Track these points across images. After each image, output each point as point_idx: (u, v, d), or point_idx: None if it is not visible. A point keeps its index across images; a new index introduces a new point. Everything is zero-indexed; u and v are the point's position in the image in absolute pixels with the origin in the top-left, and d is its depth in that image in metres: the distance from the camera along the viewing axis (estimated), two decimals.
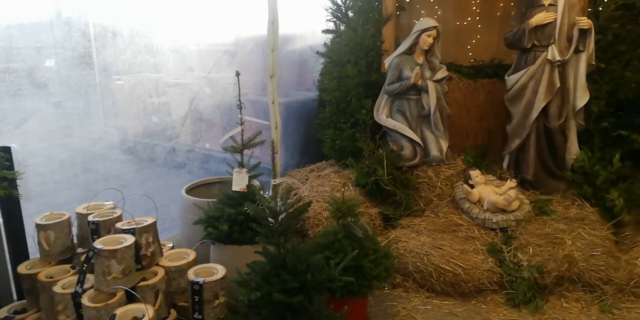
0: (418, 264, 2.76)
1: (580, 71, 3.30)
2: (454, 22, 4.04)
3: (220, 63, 3.50)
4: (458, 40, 4.05)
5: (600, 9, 3.39)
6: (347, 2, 3.82)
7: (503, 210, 3.06)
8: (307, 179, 3.57)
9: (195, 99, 3.41)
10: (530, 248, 2.83)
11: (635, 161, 3.42)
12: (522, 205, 3.10)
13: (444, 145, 3.48)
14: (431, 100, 3.37)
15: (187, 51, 3.35)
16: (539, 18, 3.25)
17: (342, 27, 3.85)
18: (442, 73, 3.45)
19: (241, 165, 2.61)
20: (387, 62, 3.52)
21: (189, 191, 3.14)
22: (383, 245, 2.81)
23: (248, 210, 2.03)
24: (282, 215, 2.08)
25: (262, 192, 2.53)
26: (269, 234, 2.05)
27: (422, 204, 3.33)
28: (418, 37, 3.36)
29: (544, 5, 3.28)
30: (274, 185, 2.07)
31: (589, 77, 3.33)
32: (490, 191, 3.18)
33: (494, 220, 3.03)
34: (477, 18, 4.00)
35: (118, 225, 2.25)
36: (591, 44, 3.23)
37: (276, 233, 2.06)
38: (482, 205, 3.14)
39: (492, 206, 3.07)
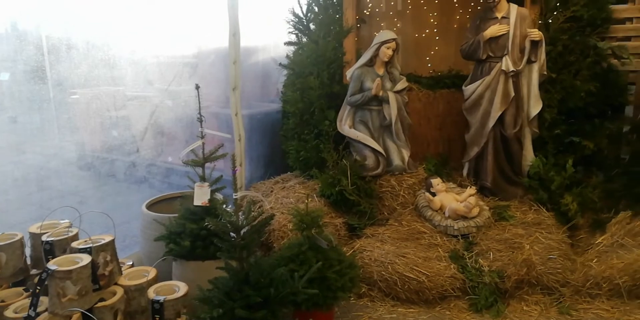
0: (383, 272, 2.78)
1: (533, 81, 3.43)
2: (412, 35, 4.14)
3: (181, 76, 3.47)
4: (417, 52, 4.15)
5: (550, 21, 3.52)
6: (309, 14, 3.86)
7: (464, 217, 3.14)
8: (271, 191, 3.56)
9: (155, 112, 3.36)
10: (491, 253, 2.90)
11: (587, 166, 3.57)
12: (482, 212, 3.18)
13: (406, 154, 3.54)
14: (392, 110, 3.44)
15: (146, 64, 3.30)
16: (493, 30, 3.37)
17: (304, 39, 3.88)
18: (402, 84, 3.52)
19: (203, 179, 2.58)
20: (348, 73, 3.57)
21: (150, 206, 3.08)
22: (348, 255, 2.82)
23: (209, 226, 2.01)
24: (244, 230, 2.07)
25: (224, 206, 2.51)
26: (231, 249, 2.04)
27: (386, 213, 3.37)
28: (378, 49, 3.43)
29: (497, 17, 3.41)
30: (235, 199, 2.06)
31: (541, 86, 3.46)
32: (451, 198, 3.25)
33: (455, 227, 3.10)
34: (435, 30, 4.12)
35: (74, 244, 2.18)
36: (542, 55, 3.37)
37: (238, 248, 2.04)
38: (444, 213, 3.21)
39: (453, 213, 3.14)
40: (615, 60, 3.64)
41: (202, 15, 3.58)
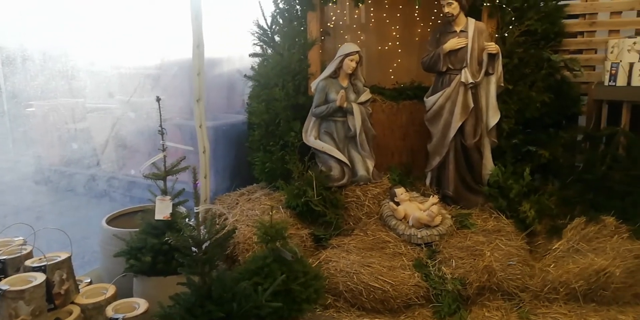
0: (348, 283, 2.80)
1: (491, 92, 3.54)
2: (376, 47, 4.22)
3: (143, 87, 3.42)
4: (380, 64, 4.23)
5: (506, 35, 3.63)
6: (273, 26, 3.90)
7: (427, 226, 3.19)
8: (237, 203, 3.53)
9: (116, 125, 3.30)
10: (453, 261, 2.95)
11: (544, 174, 3.70)
12: (444, 220, 3.25)
13: (370, 164, 3.59)
14: (356, 121, 3.49)
15: (107, 75, 3.25)
16: (452, 43, 3.47)
17: (269, 51, 3.91)
18: (365, 96, 3.58)
19: (164, 192, 2.55)
20: (313, 85, 3.60)
21: (111, 221, 3.01)
22: (314, 266, 2.83)
23: (169, 240, 1.98)
24: (206, 244, 2.05)
25: (187, 220, 2.48)
26: (193, 263, 2.01)
27: (351, 223, 3.39)
28: (341, 61, 3.48)
29: (456, 31, 3.51)
30: (197, 212, 2.04)
31: (499, 97, 3.56)
32: (415, 208, 3.31)
33: (419, 236, 3.15)
34: (398, 43, 4.21)
35: (28, 262, 2.10)
36: (499, 67, 3.48)
37: (200, 262, 2.02)
38: (408, 222, 3.26)
39: (417, 222, 3.20)
40: (568, 73, 3.81)
41: (165, 27, 3.56)
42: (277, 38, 3.89)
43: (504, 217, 3.36)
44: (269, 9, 3.88)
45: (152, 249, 2.44)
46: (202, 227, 2.06)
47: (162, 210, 2.47)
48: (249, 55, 3.95)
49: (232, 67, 4.29)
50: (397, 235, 3.23)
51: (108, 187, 3.45)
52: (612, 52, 3.55)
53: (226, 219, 3.31)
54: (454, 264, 2.93)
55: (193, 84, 3.45)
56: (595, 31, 4.03)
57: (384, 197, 3.50)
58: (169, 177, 2.61)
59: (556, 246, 3.13)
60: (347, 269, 2.86)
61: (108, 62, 3.25)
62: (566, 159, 3.67)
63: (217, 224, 2.21)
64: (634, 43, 3.39)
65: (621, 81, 3.45)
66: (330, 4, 3.90)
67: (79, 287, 2.30)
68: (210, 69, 3.93)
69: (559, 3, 3.88)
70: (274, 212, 2.54)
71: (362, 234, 3.26)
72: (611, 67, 3.48)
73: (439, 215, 3.22)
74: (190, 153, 3.58)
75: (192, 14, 3.39)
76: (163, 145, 2.52)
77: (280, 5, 3.87)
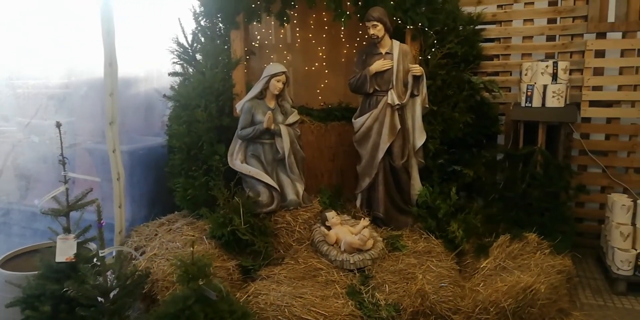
0: (279, 317, 2.63)
1: (417, 113, 3.58)
2: (303, 67, 4.16)
3: (45, 109, 3.08)
4: (308, 85, 4.16)
5: (429, 57, 3.71)
6: (195, 44, 3.71)
7: (359, 250, 3.12)
8: (156, 234, 3.25)
9: (13, 151, 2.93)
10: (387, 286, 2.88)
11: (469, 193, 3.78)
12: (376, 244, 3.19)
13: (300, 188, 3.48)
14: (285, 144, 3.37)
15: (1, 95, 2.88)
16: (378, 65, 3.47)
17: (190, 70, 3.71)
18: (293, 117, 3.48)
19: (67, 230, 2.25)
20: (238, 106, 3.45)
21: (8, 262, 2.63)
22: (242, 301, 2.64)
23: (69, 291, 1.72)
24: (114, 292, 1.81)
25: (94, 260, 2.21)
26: (98, 316, 1.76)
27: (281, 251, 3.24)
28: (268, 82, 3.37)
29: (381, 53, 3.52)
30: (102, 257, 1.80)
31: (425, 118, 3.60)
32: (347, 231, 3.23)
33: (351, 261, 3.06)
34: (324, 63, 4.17)
35: None
36: (424, 89, 3.53)
37: (107, 314, 1.77)
38: (340, 247, 3.16)
39: (349, 247, 3.11)
40: (487, 94, 3.96)
41: (73, 42, 3.26)
42: (198, 56, 3.71)
43: (433, 238, 3.37)
44: (190, 26, 3.69)
45: (52, 297, 2.12)
46: (109, 272, 1.82)
47: (65, 251, 2.17)
48: (169, 74, 3.72)
49: (150, 87, 4.02)
50: (329, 262, 3.12)
51: (4, 222, 3.04)
52: (526, 75, 3.74)
53: (143, 252, 3.02)
54: (387, 289, 2.86)
55: (105, 106, 3.17)
56: (510, 54, 4.25)
57: (314, 222, 3.39)
58: (73, 212, 2.32)
59: (484, 265, 3.17)
60: (278, 301, 2.69)
61: (3, 81, 2.89)
62: (488, 178, 3.78)
63: (133, 262, 1.97)
64: (547, 66, 3.60)
65: (536, 102, 3.63)
66: (255, 23, 3.79)
67: None
68: (125, 88, 3.65)
69: (476, 27, 4.05)
70: (195, 247, 2.33)
71: (293, 262, 3.12)
72: (527, 89, 3.65)
73: (371, 239, 3.16)
74: (103, 180, 3.26)
75: (103, 30, 3.13)
76: (65, 176, 2.23)
77: (202, 23, 3.70)
